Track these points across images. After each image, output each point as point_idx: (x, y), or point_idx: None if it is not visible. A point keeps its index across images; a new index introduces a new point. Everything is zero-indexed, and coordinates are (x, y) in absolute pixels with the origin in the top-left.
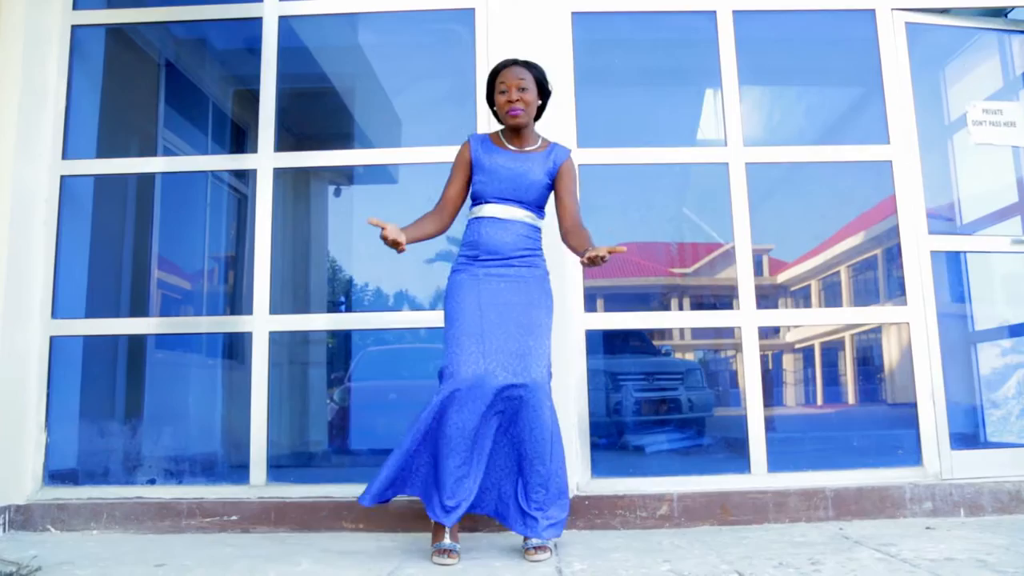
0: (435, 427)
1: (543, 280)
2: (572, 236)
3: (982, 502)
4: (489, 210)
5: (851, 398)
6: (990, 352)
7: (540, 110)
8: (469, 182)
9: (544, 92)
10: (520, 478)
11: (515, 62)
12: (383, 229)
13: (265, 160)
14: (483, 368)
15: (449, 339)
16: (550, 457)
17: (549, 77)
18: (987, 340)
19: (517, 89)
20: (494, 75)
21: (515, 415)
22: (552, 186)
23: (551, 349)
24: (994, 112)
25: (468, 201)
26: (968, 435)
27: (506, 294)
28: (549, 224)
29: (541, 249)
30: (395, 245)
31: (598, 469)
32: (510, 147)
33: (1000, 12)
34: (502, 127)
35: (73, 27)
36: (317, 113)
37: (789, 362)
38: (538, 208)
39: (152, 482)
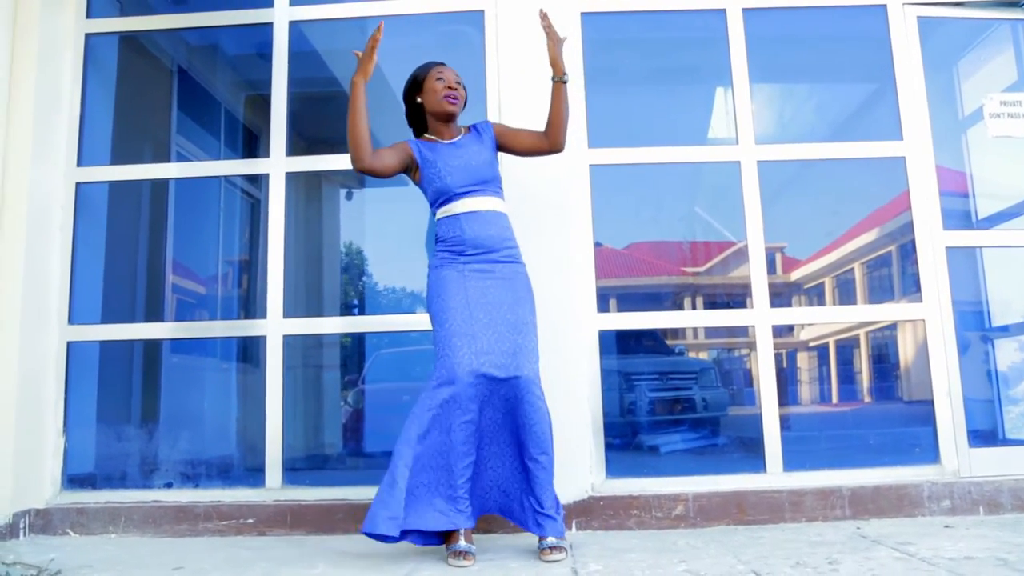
0: (436, 435)
1: (525, 277)
2: (547, 125)
3: (1001, 500)
4: (462, 205)
5: (867, 396)
6: (1008, 348)
7: None
8: (400, 167)
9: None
10: (526, 477)
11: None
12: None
13: (277, 164)
14: (476, 369)
15: (440, 340)
16: (553, 450)
17: None
18: (1005, 336)
19: (456, 82)
20: (427, 68)
21: (512, 412)
22: (497, 156)
23: (539, 345)
24: (1012, 104)
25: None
26: (986, 432)
27: (493, 292)
28: (518, 218)
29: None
30: (369, 53)
31: (613, 470)
32: (444, 140)
33: (1015, 3)
34: (424, 133)
35: (87, 35)
36: (328, 116)
37: (804, 360)
38: (500, 188)
39: (169, 485)
